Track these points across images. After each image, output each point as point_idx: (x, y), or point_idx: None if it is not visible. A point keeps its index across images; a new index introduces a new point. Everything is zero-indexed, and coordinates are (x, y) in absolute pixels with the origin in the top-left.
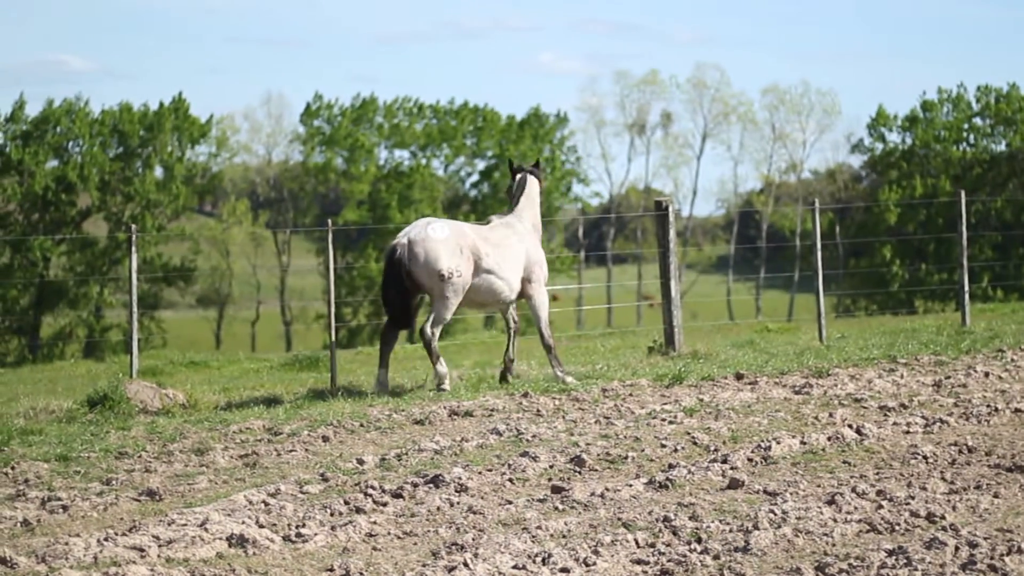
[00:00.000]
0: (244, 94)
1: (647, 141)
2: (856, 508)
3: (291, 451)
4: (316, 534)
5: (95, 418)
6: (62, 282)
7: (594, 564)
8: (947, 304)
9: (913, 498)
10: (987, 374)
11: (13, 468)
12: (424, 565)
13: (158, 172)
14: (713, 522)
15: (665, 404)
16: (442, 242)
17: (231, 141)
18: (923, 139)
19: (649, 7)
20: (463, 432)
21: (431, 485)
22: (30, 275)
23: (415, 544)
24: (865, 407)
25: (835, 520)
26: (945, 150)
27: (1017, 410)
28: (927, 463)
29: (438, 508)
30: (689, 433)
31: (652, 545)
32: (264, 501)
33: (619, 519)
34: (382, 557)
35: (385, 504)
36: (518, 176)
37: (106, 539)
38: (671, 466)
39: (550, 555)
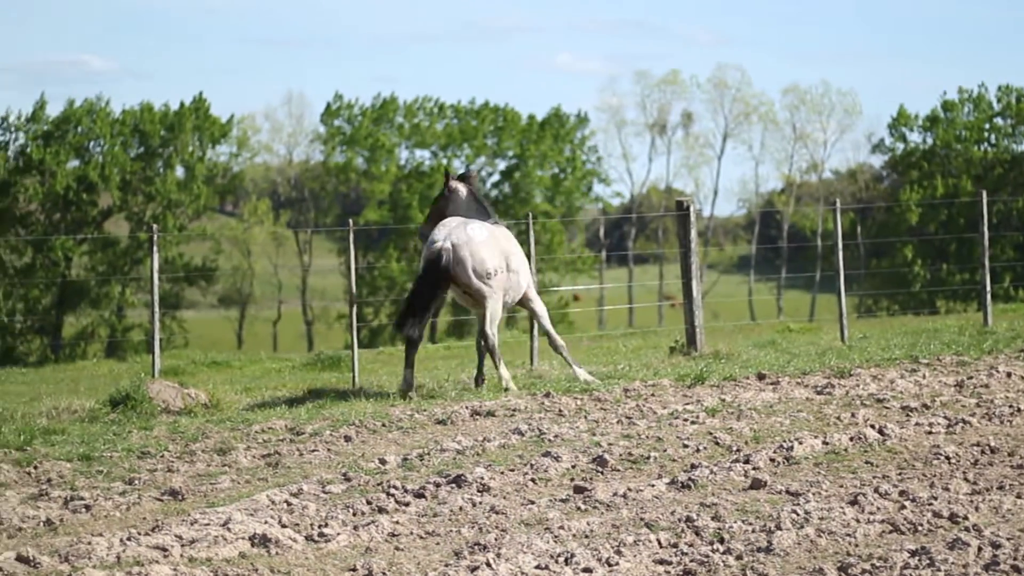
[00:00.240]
0: (265, 94)
1: (668, 141)
2: (879, 508)
3: (313, 451)
4: (339, 534)
5: (117, 418)
6: (84, 282)
7: (616, 564)
8: (969, 304)
9: (936, 498)
10: (1009, 374)
11: (36, 468)
12: (447, 565)
13: (179, 172)
14: (735, 522)
15: (687, 404)
16: (485, 243)
17: (252, 141)
18: (944, 139)
19: (669, 7)
20: (485, 432)
21: (453, 485)
22: (52, 275)
23: (437, 544)
24: (887, 407)
25: (858, 520)
26: (966, 150)
27: None
28: (950, 463)
29: (460, 508)
30: (711, 433)
31: (674, 545)
32: (287, 501)
33: (641, 519)
34: (404, 557)
35: (407, 504)
36: (463, 187)
37: (129, 539)
38: (693, 466)
39: (572, 555)
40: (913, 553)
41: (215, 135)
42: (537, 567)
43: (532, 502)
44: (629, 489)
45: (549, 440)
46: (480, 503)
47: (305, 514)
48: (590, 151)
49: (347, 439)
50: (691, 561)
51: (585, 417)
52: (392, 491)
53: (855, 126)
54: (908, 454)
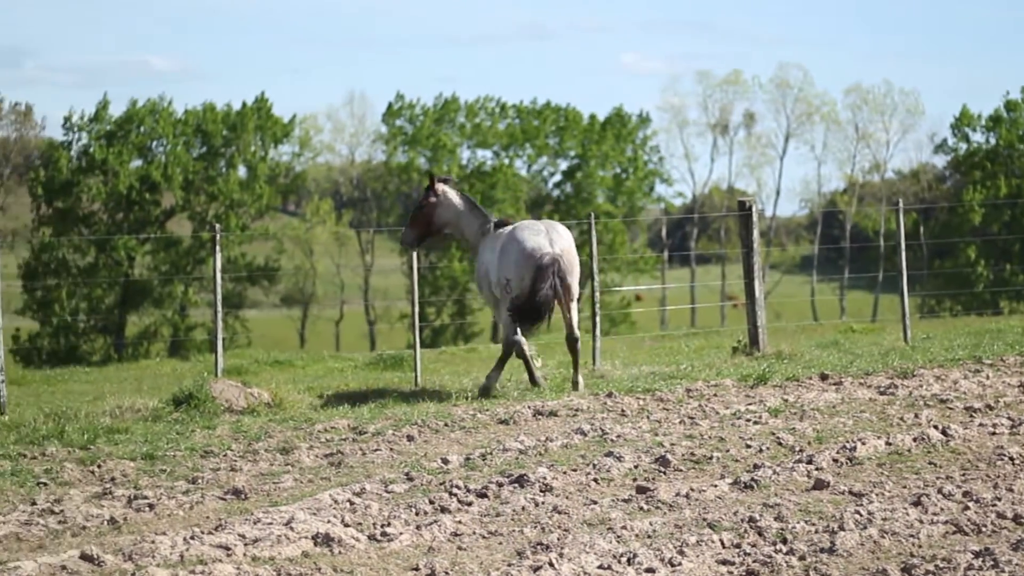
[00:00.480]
0: (327, 94)
1: (730, 141)
2: (942, 509)
3: (376, 450)
4: (401, 533)
5: (181, 417)
6: (147, 281)
7: (679, 564)
8: None
9: (1000, 499)
10: None
11: (100, 467)
12: (509, 565)
13: (241, 172)
14: (798, 523)
15: (750, 404)
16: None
17: (314, 141)
18: (1007, 139)
19: (731, 7)
20: (547, 432)
21: (516, 485)
22: (115, 274)
23: (500, 544)
24: (951, 408)
25: (921, 521)
26: None
27: None
28: (1013, 464)
29: (523, 508)
30: (774, 433)
31: (737, 546)
32: (349, 500)
33: (704, 519)
34: (467, 557)
35: (470, 504)
36: (453, 191)
37: (192, 537)
38: (756, 466)
39: (635, 555)
40: (977, 554)
41: (277, 135)
42: (600, 567)
43: (594, 502)
44: (692, 489)
45: (611, 440)
46: (542, 503)
47: (368, 513)
48: (652, 151)
49: (410, 439)
50: (754, 562)
51: (647, 417)
52: (455, 491)
53: (918, 126)
54: (971, 455)
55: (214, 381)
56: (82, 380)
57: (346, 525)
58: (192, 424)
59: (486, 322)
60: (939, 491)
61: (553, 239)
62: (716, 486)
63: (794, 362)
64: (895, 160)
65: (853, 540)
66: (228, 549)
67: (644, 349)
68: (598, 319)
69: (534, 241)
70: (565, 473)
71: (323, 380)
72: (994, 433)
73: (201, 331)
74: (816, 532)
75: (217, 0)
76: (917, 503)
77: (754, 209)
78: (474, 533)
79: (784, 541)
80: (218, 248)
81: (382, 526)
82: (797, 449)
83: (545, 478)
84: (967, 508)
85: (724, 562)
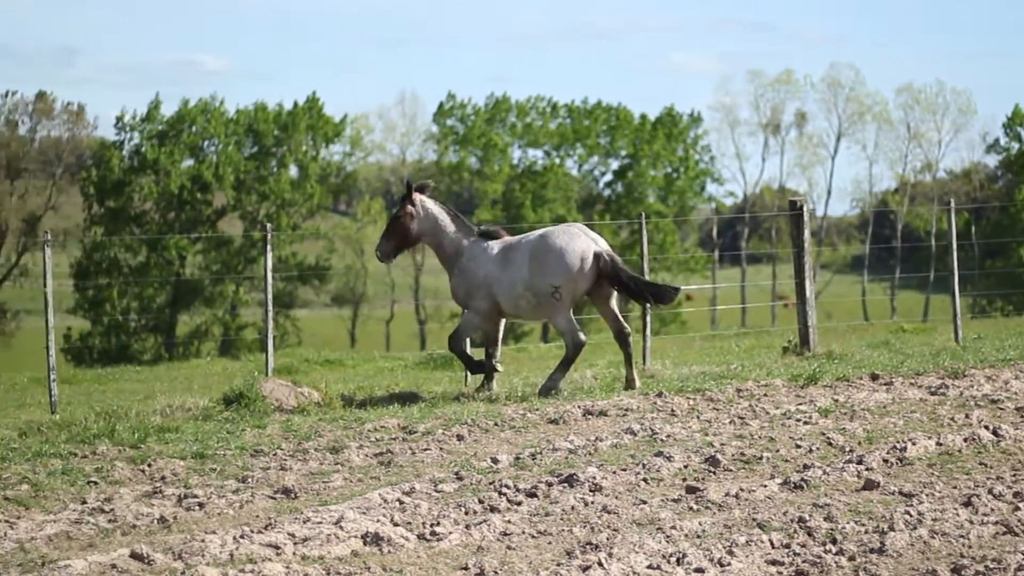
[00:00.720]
0: (378, 93)
1: (781, 140)
2: (993, 510)
3: (426, 450)
4: (451, 532)
5: (231, 416)
6: (198, 281)
7: (729, 564)
8: None
9: None
10: None
11: (150, 465)
12: (559, 564)
13: (293, 171)
14: (848, 523)
15: (800, 404)
16: None
17: (365, 140)
18: None
19: (783, 6)
20: (597, 431)
21: (565, 484)
22: (166, 273)
23: (549, 543)
24: (1002, 408)
25: (971, 522)
26: None
27: None
28: None
29: (572, 507)
30: (824, 434)
31: (787, 546)
32: (399, 499)
33: (754, 519)
34: (516, 556)
35: (519, 503)
36: (431, 201)
37: (242, 536)
38: (806, 467)
39: (684, 555)
40: None
41: (328, 135)
42: (649, 567)
43: (644, 502)
44: (741, 489)
45: (661, 440)
46: (592, 503)
47: (417, 513)
48: (703, 151)
49: (459, 438)
50: (803, 562)
51: (697, 417)
52: (504, 490)
53: (969, 125)
54: (1022, 455)
55: (264, 380)
56: (133, 379)
57: (395, 524)
58: (242, 423)
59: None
60: (989, 491)
61: (594, 238)
62: (766, 486)
63: (845, 362)
64: (947, 160)
65: (903, 540)
66: (278, 548)
67: (694, 349)
68: (648, 319)
69: (580, 244)
70: (615, 473)
71: (373, 379)
72: None
73: (251, 330)
74: (866, 532)
75: (269, 0)
76: (967, 504)
77: (805, 209)
78: (523, 532)
79: (834, 541)
80: (269, 247)
81: (431, 525)
82: (847, 449)
83: (595, 478)
84: (1017, 508)
85: (773, 562)
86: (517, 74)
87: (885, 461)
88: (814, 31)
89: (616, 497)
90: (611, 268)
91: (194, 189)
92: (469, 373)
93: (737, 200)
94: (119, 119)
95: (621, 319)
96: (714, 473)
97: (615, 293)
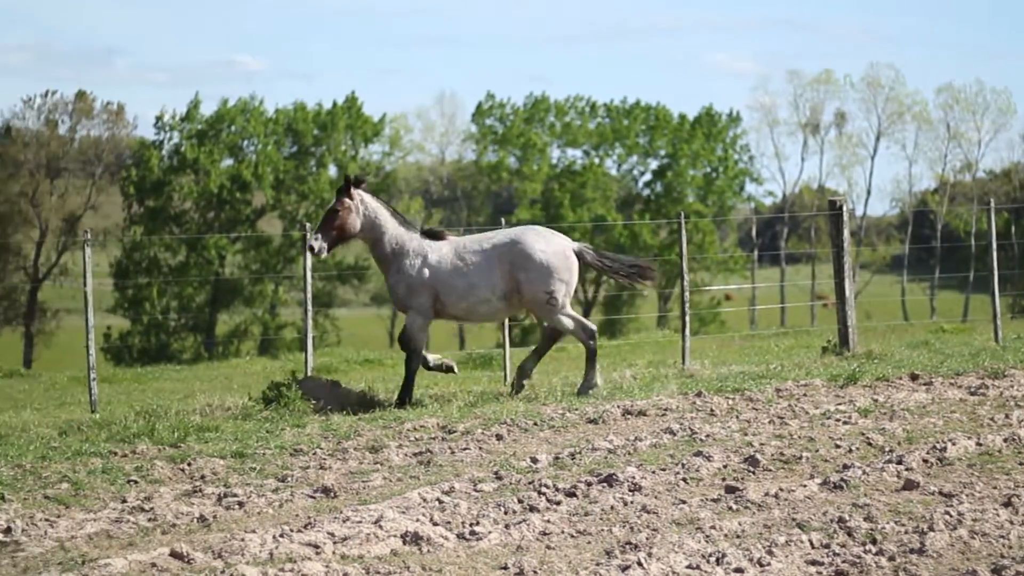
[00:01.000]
0: (417, 93)
1: (821, 140)
2: None
3: (465, 449)
4: (490, 532)
5: (270, 415)
6: (237, 280)
7: (768, 564)
8: None
9: None
10: None
11: (190, 464)
12: (598, 564)
13: (332, 171)
14: (888, 523)
15: (839, 404)
16: None
17: (404, 140)
18: None
19: (822, 6)
20: (636, 431)
21: (605, 484)
22: (206, 273)
23: (589, 543)
24: None
25: (1011, 522)
26: None
27: None
28: None
29: (612, 507)
30: (864, 434)
31: (826, 546)
32: (438, 499)
33: (793, 519)
34: (556, 556)
35: (559, 503)
36: (370, 196)
37: (281, 535)
38: (845, 467)
39: (724, 555)
40: None
41: (367, 134)
42: (688, 567)
43: (683, 501)
44: (781, 489)
45: (700, 440)
46: (631, 502)
47: (457, 512)
48: (742, 150)
49: (499, 437)
50: (843, 562)
51: (737, 417)
52: (544, 490)
53: (1009, 125)
54: None
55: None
56: (172, 378)
57: (435, 524)
58: (282, 422)
59: None
60: None
61: (560, 237)
62: (805, 486)
63: (884, 362)
64: (987, 159)
65: (943, 541)
66: (317, 547)
67: (734, 348)
68: (688, 318)
69: (558, 243)
70: (654, 472)
71: None
72: None
73: (291, 330)
74: (906, 533)
75: (307, 0)
76: (1007, 504)
77: (845, 208)
78: (563, 532)
79: (873, 541)
80: (308, 247)
81: (471, 525)
82: (887, 449)
83: (634, 477)
84: None
85: (813, 562)
86: (556, 74)
87: (925, 461)
88: (853, 31)
89: (655, 497)
90: (594, 259)
91: (233, 189)
92: (406, 382)
93: (776, 200)
94: (158, 119)
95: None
96: (753, 473)
97: None
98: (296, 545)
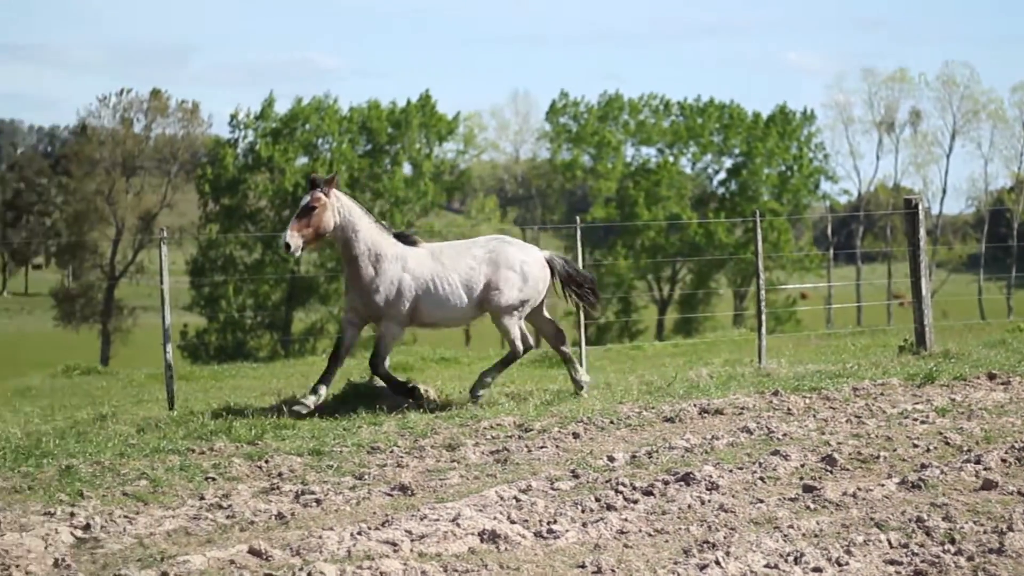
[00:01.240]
0: (491, 91)
1: (896, 139)
2: None
3: (542, 447)
4: (567, 530)
5: (347, 413)
6: (312, 278)
7: (847, 564)
8: None
9: None
10: None
11: (267, 462)
12: (676, 563)
13: (406, 169)
14: (967, 523)
15: (917, 403)
16: None
17: (478, 138)
18: None
19: (897, 4)
20: (713, 430)
21: (682, 483)
22: (281, 271)
23: (666, 542)
24: None
25: None
26: None
27: None
28: None
29: (689, 506)
30: (941, 433)
31: (905, 546)
32: (515, 497)
33: (871, 519)
34: (633, 554)
35: (636, 501)
36: (345, 196)
37: (359, 533)
38: (923, 466)
39: (802, 554)
40: None
41: (441, 132)
42: (766, 566)
43: (761, 501)
44: (859, 489)
45: (778, 439)
46: (709, 501)
47: (534, 510)
48: (817, 148)
49: (575, 436)
50: (922, 562)
51: (814, 416)
52: (621, 488)
53: None
54: None
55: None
56: (249, 376)
57: (512, 522)
58: (359, 420)
59: (650, 319)
60: None
61: (533, 247)
62: (883, 485)
63: (961, 361)
64: None
65: (1022, 541)
66: (395, 545)
67: (810, 347)
68: (763, 317)
69: (535, 254)
70: (731, 471)
71: None
72: None
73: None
74: (984, 532)
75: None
76: None
77: (920, 207)
78: (640, 531)
79: (952, 541)
80: None
81: (548, 523)
82: (965, 449)
83: (711, 476)
84: None
85: (891, 562)
86: (630, 72)
87: (1003, 460)
88: (928, 29)
89: (733, 496)
90: (562, 267)
91: (308, 187)
92: (393, 391)
93: (851, 198)
94: (233, 117)
95: (555, 319)
96: (831, 472)
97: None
98: (374, 543)
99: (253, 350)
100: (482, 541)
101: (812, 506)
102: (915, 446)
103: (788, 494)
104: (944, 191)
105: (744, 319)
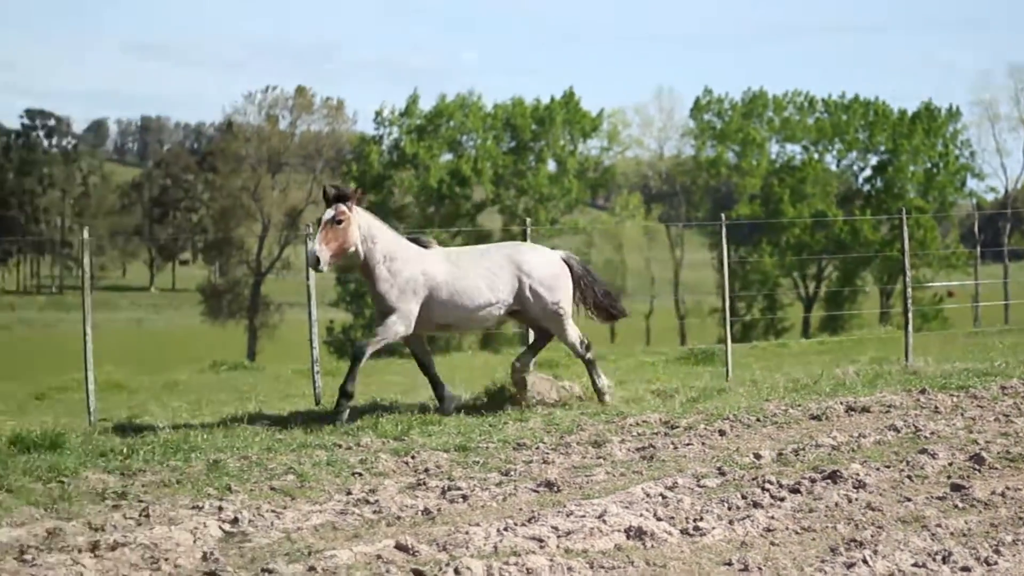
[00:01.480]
0: (635, 88)
1: None
2: None
3: (688, 444)
4: (714, 528)
5: (493, 409)
6: None
7: (995, 564)
8: None
9: None
10: None
11: (413, 457)
12: (823, 561)
13: (551, 166)
14: None
15: None
16: None
17: (622, 135)
18: None
19: None
20: (860, 428)
21: (828, 481)
22: None
23: (813, 540)
24: None
25: None
26: None
27: None
28: None
29: (836, 504)
30: None
31: None
32: (662, 494)
33: (1020, 518)
34: (780, 552)
35: (782, 499)
36: (364, 211)
37: (505, 529)
38: None
39: (950, 553)
40: None
41: (585, 129)
42: (914, 565)
43: (908, 499)
44: (1008, 488)
45: (925, 437)
46: (856, 499)
47: (680, 507)
48: (963, 146)
49: (721, 433)
50: None
51: (962, 414)
52: (767, 486)
53: None
54: None
55: (526, 374)
56: (396, 372)
57: (658, 519)
58: (504, 416)
59: (796, 317)
60: None
61: (546, 249)
62: None
63: None
64: None
65: None
66: (541, 541)
67: (957, 345)
68: (910, 315)
69: (555, 255)
70: (878, 470)
71: (634, 374)
72: None
73: (511, 324)
74: None
75: None
76: None
77: None
78: (787, 529)
79: None
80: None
81: (694, 520)
82: None
83: (858, 474)
84: None
85: None
86: (773, 69)
87: None
88: None
89: (880, 494)
90: (578, 268)
91: (453, 183)
92: (347, 390)
93: (998, 196)
94: (378, 114)
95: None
96: (979, 471)
97: None
98: (520, 539)
99: (398, 346)
100: (628, 538)
101: (960, 505)
102: None
103: (936, 493)
104: None
105: (890, 317)
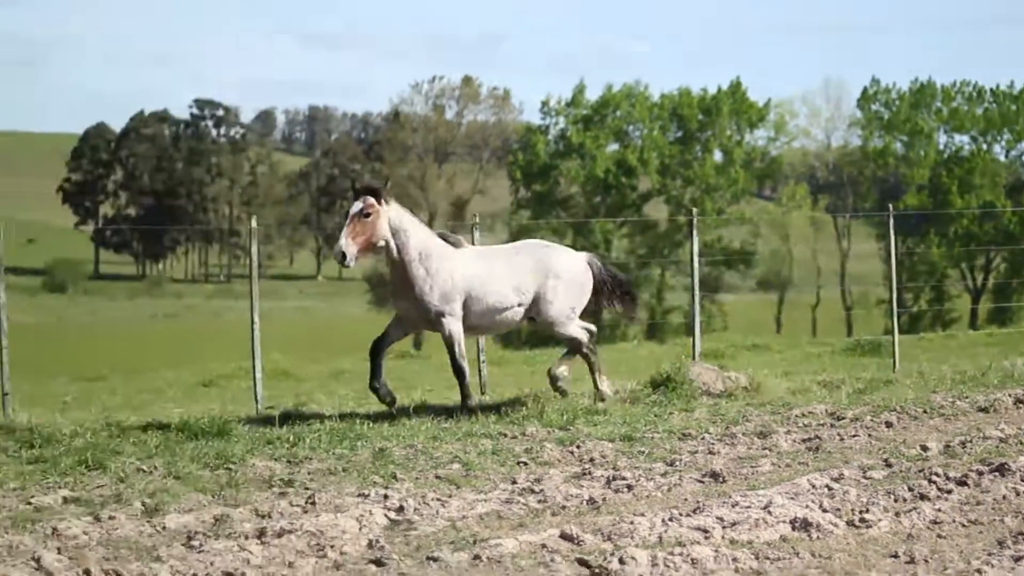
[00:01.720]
0: (802, 78)
1: None
2: None
3: (854, 436)
4: (880, 520)
5: (658, 399)
6: (624, 264)
7: None
8: None
9: None
10: None
11: (579, 447)
12: (990, 554)
13: (717, 156)
14: None
15: None
16: None
17: (790, 126)
18: None
19: None
20: None
21: (996, 473)
22: None
23: (980, 533)
24: None
25: None
26: None
27: None
28: None
29: (1004, 497)
30: None
31: None
32: (827, 485)
33: None
34: (947, 545)
35: (949, 491)
36: (395, 203)
37: (670, 519)
38: None
39: None
40: None
41: (752, 119)
42: None
43: None
44: None
45: None
46: None
47: (846, 499)
48: None
49: (888, 425)
50: None
51: None
52: (934, 478)
53: None
54: None
55: (692, 364)
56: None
57: (824, 510)
58: (670, 407)
59: (964, 308)
60: None
61: (571, 251)
62: None
63: None
64: None
65: None
66: (706, 532)
67: None
68: None
69: (577, 257)
70: None
71: (800, 365)
72: None
73: (677, 314)
74: None
75: None
76: None
77: None
78: (953, 521)
79: None
80: (695, 232)
81: (860, 512)
82: None
83: None
84: None
85: None
86: (942, 58)
87: None
88: None
89: None
90: (599, 270)
91: (619, 173)
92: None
93: None
94: (544, 103)
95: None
96: None
97: None
98: (685, 529)
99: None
100: (794, 529)
101: None
102: None
103: None
104: None
105: (979, 314)
